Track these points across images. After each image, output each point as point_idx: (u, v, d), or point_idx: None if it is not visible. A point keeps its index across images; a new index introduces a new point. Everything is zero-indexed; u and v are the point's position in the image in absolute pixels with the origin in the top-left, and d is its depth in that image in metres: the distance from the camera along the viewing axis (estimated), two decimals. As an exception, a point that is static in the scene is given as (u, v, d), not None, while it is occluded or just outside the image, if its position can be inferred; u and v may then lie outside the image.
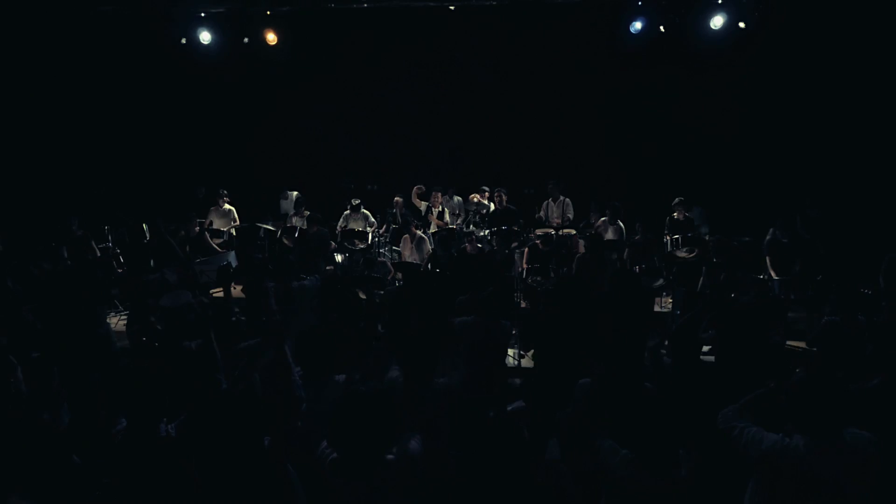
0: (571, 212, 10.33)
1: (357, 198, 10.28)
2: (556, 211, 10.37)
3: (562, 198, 10.37)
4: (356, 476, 2.75)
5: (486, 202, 10.54)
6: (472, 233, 9.61)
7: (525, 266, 8.52)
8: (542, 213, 10.44)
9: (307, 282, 5.78)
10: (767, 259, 8.00)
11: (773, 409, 2.89)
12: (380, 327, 5.28)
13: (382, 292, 7.30)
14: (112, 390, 3.14)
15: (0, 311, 5.19)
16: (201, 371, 3.73)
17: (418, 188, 10.83)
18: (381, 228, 10.52)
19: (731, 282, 6.69)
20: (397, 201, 10.63)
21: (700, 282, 7.19)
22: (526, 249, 8.85)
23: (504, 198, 9.90)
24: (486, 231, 9.61)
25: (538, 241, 8.73)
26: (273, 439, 2.90)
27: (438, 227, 10.22)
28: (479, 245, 8.87)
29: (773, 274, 7.86)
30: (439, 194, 10.49)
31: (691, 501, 2.70)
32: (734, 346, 3.84)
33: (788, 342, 6.51)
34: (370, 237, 9.72)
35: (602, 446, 2.87)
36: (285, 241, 9.61)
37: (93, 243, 8.65)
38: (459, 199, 10.89)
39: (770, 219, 8.44)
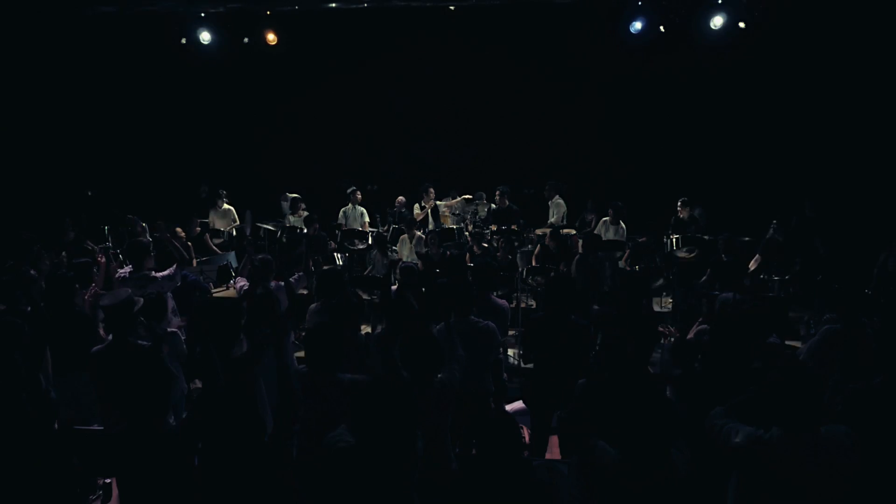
0: (559, 213, 10.20)
1: (352, 185, 10.22)
2: (550, 211, 10.32)
3: (555, 198, 10.30)
4: (375, 465, 2.77)
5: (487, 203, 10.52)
6: (478, 234, 9.56)
7: (533, 264, 8.46)
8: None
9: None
10: (762, 258, 7.99)
11: (757, 410, 2.93)
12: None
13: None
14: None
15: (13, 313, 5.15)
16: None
17: (399, 199, 10.68)
18: (383, 227, 10.49)
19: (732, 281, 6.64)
20: (400, 201, 10.60)
21: (703, 278, 7.12)
22: (538, 247, 8.80)
23: (506, 198, 9.86)
24: (487, 232, 9.58)
25: (549, 241, 8.59)
26: (272, 438, 2.91)
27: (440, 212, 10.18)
28: (485, 245, 8.83)
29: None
30: (431, 189, 10.46)
31: (682, 500, 2.72)
32: (729, 349, 3.85)
33: (787, 342, 6.48)
34: (370, 237, 9.69)
35: (595, 446, 2.89)
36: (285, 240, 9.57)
37: (88, 243, 8.58)
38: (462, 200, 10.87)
39: (769, 218, 8.43)
